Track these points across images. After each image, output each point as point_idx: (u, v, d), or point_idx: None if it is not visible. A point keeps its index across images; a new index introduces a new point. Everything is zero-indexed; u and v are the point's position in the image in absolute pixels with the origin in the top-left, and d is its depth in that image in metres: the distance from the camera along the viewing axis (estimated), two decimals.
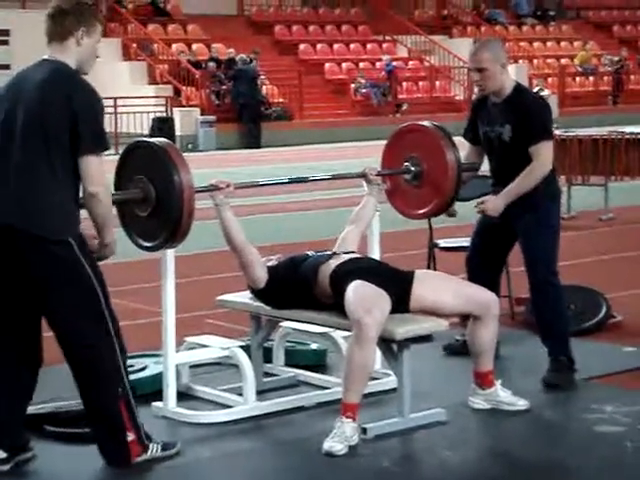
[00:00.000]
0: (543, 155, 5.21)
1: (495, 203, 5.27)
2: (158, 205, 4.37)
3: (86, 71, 4.19)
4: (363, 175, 5.27)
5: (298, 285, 4.80)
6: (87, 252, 4.10)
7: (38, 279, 4.09)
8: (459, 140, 5.62)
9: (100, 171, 4.04)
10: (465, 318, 5.17)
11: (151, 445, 4.30)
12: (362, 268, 4.75)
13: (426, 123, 5.45)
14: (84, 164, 4.02)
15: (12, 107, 4.08)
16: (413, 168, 5.34)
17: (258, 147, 22.36)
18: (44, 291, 4.11)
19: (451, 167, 5.21)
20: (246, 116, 22.88)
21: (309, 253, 4.92)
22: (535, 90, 11.12)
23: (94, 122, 4.05)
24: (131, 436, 4.22)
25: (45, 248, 4.03)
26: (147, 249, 4.54)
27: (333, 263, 4.78)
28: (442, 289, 4.78)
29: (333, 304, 4.68)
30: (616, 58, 29.40)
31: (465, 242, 5.86)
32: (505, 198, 5.25)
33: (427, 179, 5.31)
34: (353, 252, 4.97)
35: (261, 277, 4.82)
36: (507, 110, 5.28)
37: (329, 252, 4.92)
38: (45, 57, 4.16)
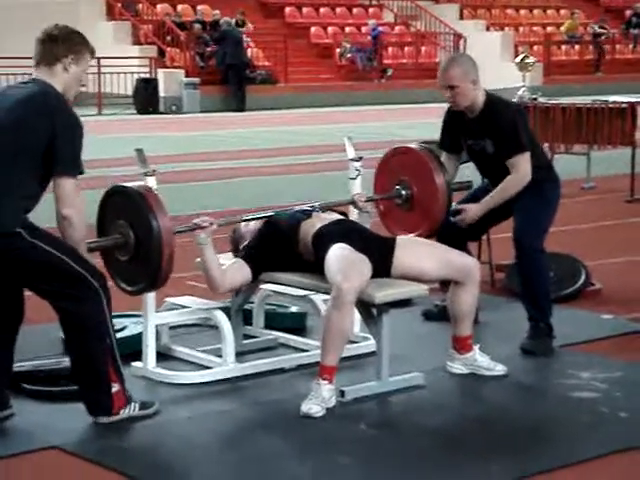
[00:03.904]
0: (521, 168, 5.22)
1: (474, 214, 5.31)
2: (138, 251, 4.35)
3: (69, 97, 4.23)
4: (352, 202, 5.20)
5: (280, 244, 4.81)
6: (39, 233, 4.12)
7: (6, 270, 4.13)
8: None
9: (74, 194, 4.07)
10: (445, 284, 5.19)
11: (129, 404, 4.32)
12: (345, 231, 4.76)
13: (414, 145, 5.43)
14: (59, 186, 4.06)
15: None
16: (404, 192, 5.33)
17: (242, 110, 22.28)
18: (17, 278, 4.18)
19: (441, 191, 5.21)
20: (232, 78, 22.78)
21: (286, 211, 4.93)
22: (520, 58, 11.07)
23: (72, 145, 4.09)
24: (116, 387, 4.26)
25: (3, 243, 4.05)
26: (129, 293, 4.51)
27: (316, 223, 4.79)
28: (424, 255, 4.79)
29: (315, 262, 4.69)
30: (596, 26, 29.36)
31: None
32: (484, 208, 5.31)
33: (417, 203, 5.32)
34: (330, 210, 4.98)
35: (247, 279, 4.82)
36: (483, 125, 5.29)
37: (307, 208, 4.93)
38: (33, 77, 4.22)
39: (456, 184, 5.44)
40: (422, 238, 5.15)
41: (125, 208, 4.40)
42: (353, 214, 5.27)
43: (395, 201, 5.39)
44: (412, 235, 5.32)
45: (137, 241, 4.34)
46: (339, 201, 5.28)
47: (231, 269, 4.79)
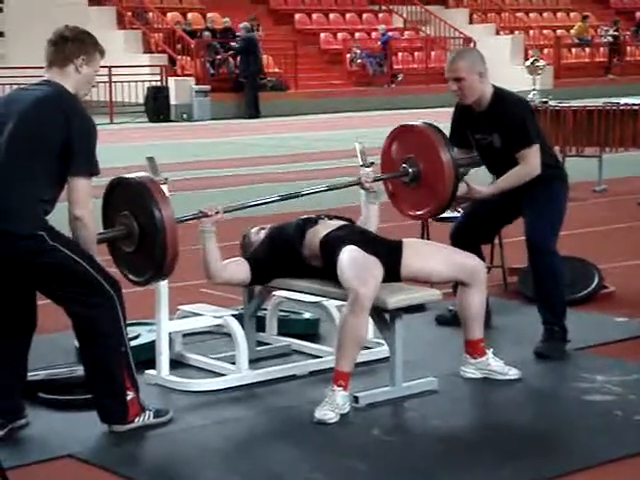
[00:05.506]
0: (530, 160, 5.22)
1: (482, 193, 5.32)
2: (142, 240, 4.34)
3: (81, 97, 4.26)
4: (359, 183, 5.20)
5: (286, 251, 4.83)
6: (59, 237, 4.13)
7: (24, 272, 4.14)
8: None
9: (87, 195, 4.09)
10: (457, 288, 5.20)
11: (144, 412, 4.33)
12: (352, 236, 4.77)
13: (419, 123, 5.39)
14: (73, 186, 4.08)
15: (2, 119, 4.13)
16: (411, 170, 5.30)
17: (257, 117, 22.25)
18: (34, 281, 4.18)
19: (447, 167, 5.16)
20: (249, 85, 22.74)
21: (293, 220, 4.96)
22: (530, 61, 11.07)
23: (88, 147, 4.12)
24: (131, 395, 4.27)
25: (20, 244, 4.06)
26: (137, 284, 4.50)
27: (322, 230, 4.80)
28: (431, 256, 4.80)
29: (324, 268, 4.70)
30: (607, 29, 29.33)
31: (459, 214, 5.88)
32: (491, 191, 5.32)
33: (424, 180, 5.28)
34: (337, 217, 4.99)
35: (246, 278, 4.87)
36: (491, 119, 5.28)
37: (313, 216, 4.95)
38: (45, 78, 4.25)
39: (463, 159, 5.38)
40: (428, 240, 5.15)
41: (128, 199, 4.39)
42: (362, 196, 5.26)
43: (402, 179, 5.37)
44: (421, 212, 5.36)
45: (141, 231, 4.33)
46: (347, 182, 5.32)
47: (234, 263, 4.85)
